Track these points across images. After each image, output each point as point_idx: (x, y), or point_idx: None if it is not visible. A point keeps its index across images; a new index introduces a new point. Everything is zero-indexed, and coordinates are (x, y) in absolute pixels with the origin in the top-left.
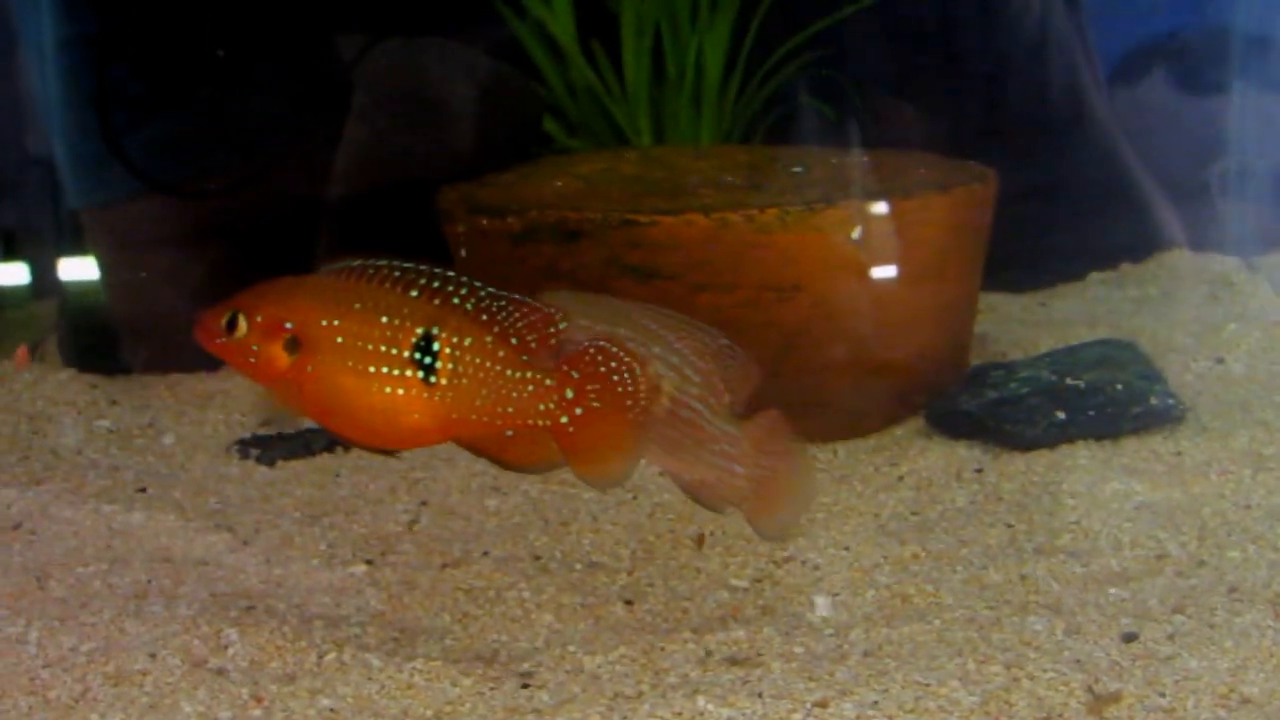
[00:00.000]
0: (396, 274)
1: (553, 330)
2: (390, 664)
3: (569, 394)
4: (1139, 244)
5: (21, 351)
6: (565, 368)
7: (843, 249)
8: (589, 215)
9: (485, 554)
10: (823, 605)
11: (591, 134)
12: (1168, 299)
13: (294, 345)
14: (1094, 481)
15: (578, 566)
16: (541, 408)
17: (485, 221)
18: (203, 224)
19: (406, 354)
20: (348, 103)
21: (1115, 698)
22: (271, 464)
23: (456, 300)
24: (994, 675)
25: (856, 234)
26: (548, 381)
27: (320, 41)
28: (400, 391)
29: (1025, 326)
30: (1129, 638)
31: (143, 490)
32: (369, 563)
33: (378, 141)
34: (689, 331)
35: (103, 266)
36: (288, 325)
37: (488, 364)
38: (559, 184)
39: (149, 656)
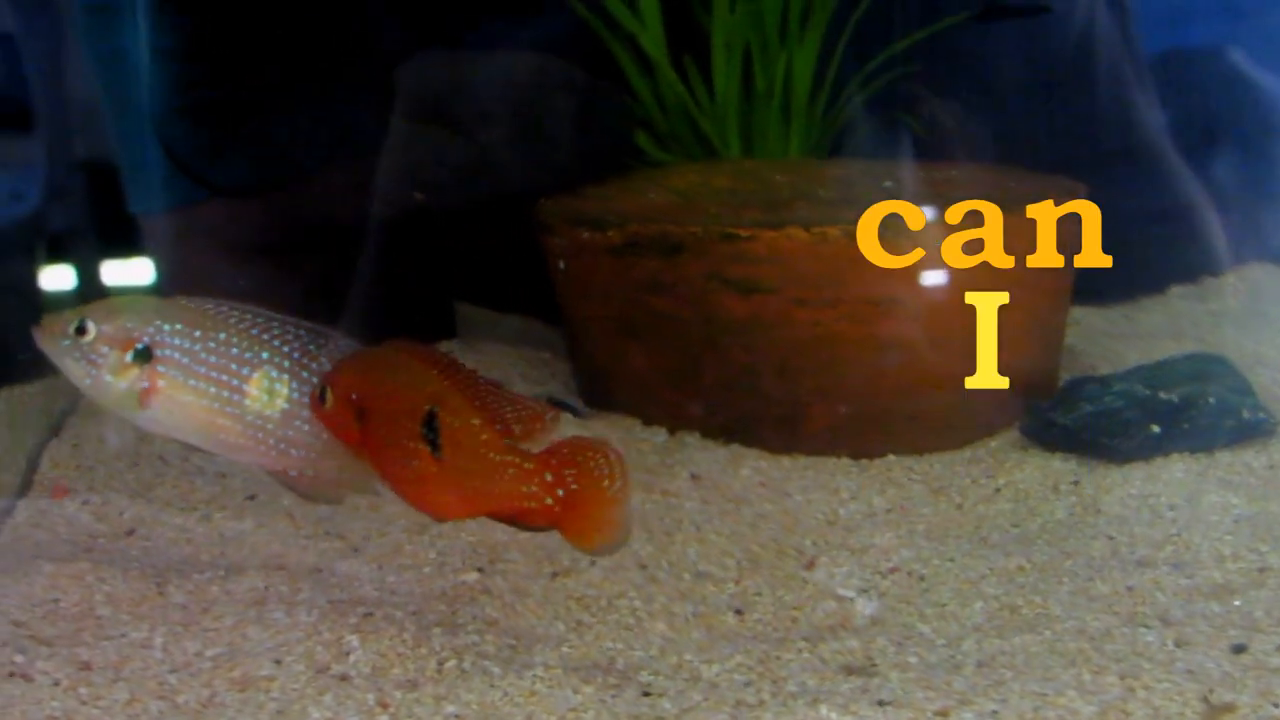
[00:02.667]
0: (427, 354)
1: (539, 426)
2: (510, 671)
3: (548, 477)
4: (1218, 257)
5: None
6: (546, 455)
7: (940, 262)
8: (691, 229)
9: (593, 563)
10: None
11: (681, 147)
12: (1250, 312)
13: (361, 414)
14: (1191, 494)
15: (685, 576)
16: (525, 489)
17: (585, 234)
18: (294, 229)
19: (419, 429)
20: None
21: (1230, 708)
22: None
23: (458, 385)
24: (1109, 686)
25: None
26: (527, 465)
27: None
28: (415, 463)
29: (1111, 339)
30: (1238, 649)
31: (251, 498)
32: (480, 571)
33: (480, 154)
34: (295, 334)
35: (190, 270)
36: (354, 396)
37: (476, 445)
38: (654, 197)
39: (274, 662)
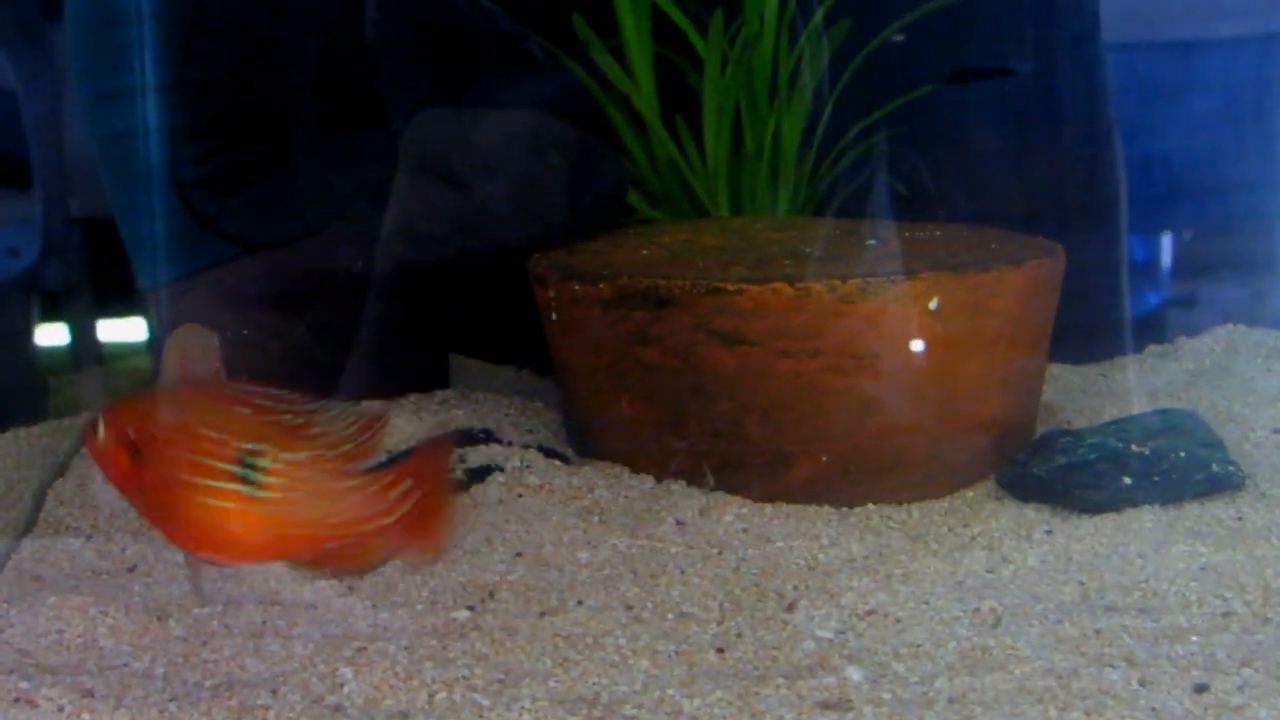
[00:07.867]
0: (231, 391)
1: (376, 435)
2: (499, 703)
3: (392, 495)
4: (1195, 318)
5: None
6: (391, 473)
7: (921, 318)
8: (678, 282)
9: (580, 603)
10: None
11: (672, 205)
12: (1224, 371)
13: (134, 452)
14: (1160, 543)
15: (669, 616)
16: (369, 512)
17: (577, 287)
18: (294, 283)
19: (230, 467)
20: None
21: None
22: None
23: (287, 417)
24: None
25: (934, 304)
26: (372, 488)
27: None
28: (225, 504)
29: (1088, 396)
30: (1200, 689)
31: None
32: (471, 609)
33: (478, 208)
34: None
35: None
36: (130, 433)
37: (318, 479)
38: (645, 252)
39: (270, 693)
